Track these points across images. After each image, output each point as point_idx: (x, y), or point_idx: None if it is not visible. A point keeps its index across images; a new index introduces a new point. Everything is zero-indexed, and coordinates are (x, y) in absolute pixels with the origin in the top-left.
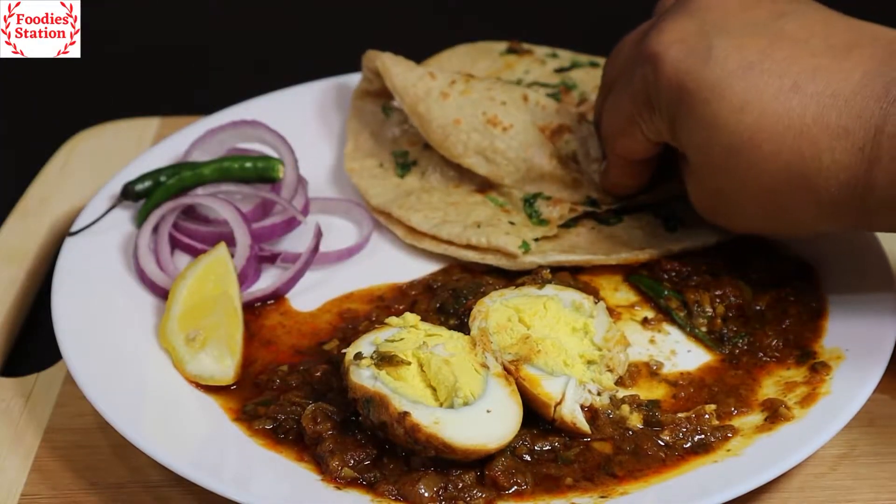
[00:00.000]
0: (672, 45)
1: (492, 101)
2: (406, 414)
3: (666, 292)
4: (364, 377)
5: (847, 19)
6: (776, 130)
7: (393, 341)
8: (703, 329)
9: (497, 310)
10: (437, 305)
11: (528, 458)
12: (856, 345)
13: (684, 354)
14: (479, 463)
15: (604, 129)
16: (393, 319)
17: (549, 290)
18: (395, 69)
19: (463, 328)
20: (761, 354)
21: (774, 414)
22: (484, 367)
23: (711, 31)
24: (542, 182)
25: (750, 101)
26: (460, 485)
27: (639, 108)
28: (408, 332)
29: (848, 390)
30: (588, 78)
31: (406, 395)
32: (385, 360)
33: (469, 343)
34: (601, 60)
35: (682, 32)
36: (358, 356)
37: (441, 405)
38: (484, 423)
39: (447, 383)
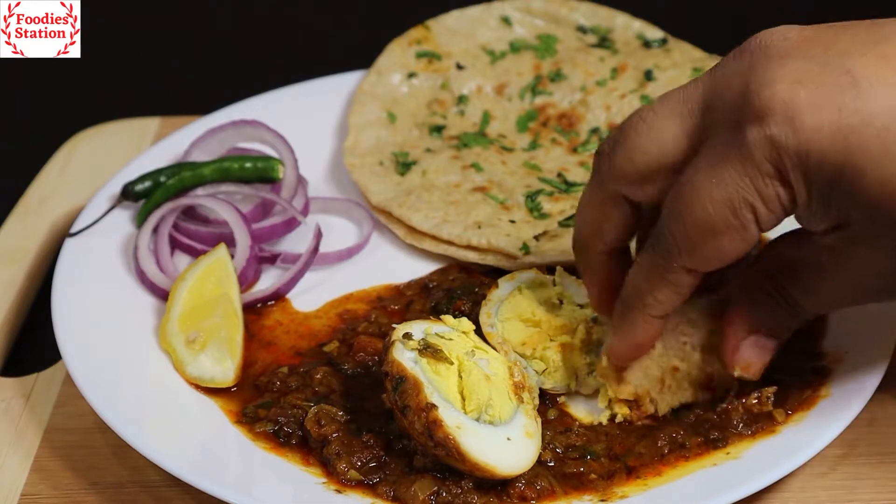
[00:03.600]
0: (793, 88)
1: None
2: (433, 406)
3: None
4: (405, 357)
5: None
6: None
7: (443, 338)
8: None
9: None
10: (432, 305)
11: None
12: (856, 347)
13: None
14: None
15: (678, 228)
16: (448, 319)
17: (510, 284)
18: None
19: None
20: None
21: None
22: (518, 398)
23: (828, 58)
24: None
25: None
26: (455, 490)
27: (758, 184)
28: (458, 336)
29: (848, 393)
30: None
31: (439, 390)
32: (431, 350)
33: (508, 370)
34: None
35: (794, 73)
36: (407, 335)
37: (466, 415)
38: (502, 447)
39: (481, 397)
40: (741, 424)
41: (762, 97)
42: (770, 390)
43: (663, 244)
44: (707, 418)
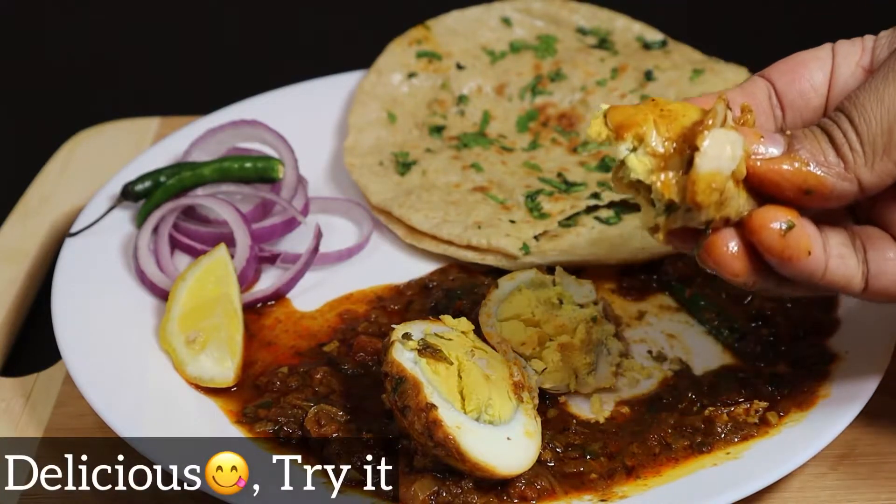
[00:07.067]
0: None
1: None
2: (433, 406)
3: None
4: (405, 357)
5: None
6: None
7: (442, 338)
8: (726, 332)
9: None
10: (432, 305)
11: (550, 462)
12: (855, 347)
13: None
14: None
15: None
16: (448, 319)
17: (510, 283)
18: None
19: None
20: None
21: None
22: (518, 398)
23: None
24: None
25: None
26: (455, 490)
27: None
28: (458, 336)
29: (848, 393)
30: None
31: (438, 390)
32: (430, 350)
33: (508, 370)
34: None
35: None
36: (407, 336)
37: (466, 415)
38: (502, 447)
39: (480, 397)
40: (724, 433)
41: None
42: (761, 404)
43: None
44: (691, 423)
